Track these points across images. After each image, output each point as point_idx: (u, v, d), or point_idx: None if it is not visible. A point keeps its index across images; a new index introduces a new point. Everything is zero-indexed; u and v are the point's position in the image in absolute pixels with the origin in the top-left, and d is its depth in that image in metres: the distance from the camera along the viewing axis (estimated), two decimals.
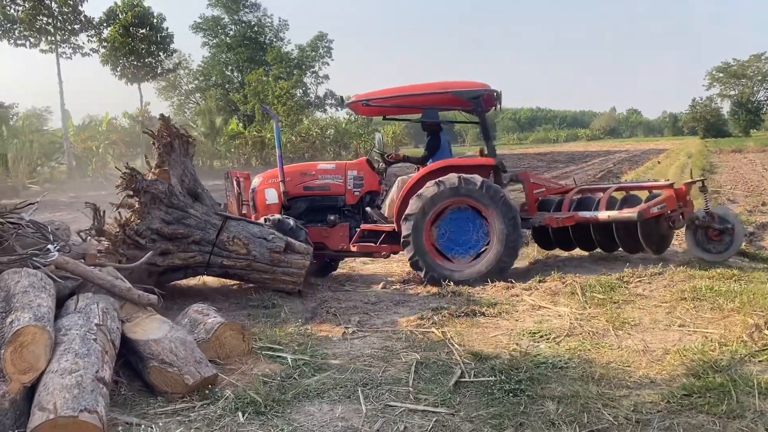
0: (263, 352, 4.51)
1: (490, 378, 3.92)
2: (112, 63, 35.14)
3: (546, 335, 4.86)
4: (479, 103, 7.34)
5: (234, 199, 7.81)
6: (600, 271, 6.74)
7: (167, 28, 36.84)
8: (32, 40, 30.64)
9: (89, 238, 5.37)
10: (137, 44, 35.01)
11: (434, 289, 6.70)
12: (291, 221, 7.05)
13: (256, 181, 7.98)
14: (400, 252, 7.38)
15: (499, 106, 7.51)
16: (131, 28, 34.31)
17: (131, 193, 5.57)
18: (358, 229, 7.51)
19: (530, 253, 8.40)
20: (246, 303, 6.22)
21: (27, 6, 29.72)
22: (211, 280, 6.99)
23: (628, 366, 4.10)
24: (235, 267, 6.25)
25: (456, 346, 4.64)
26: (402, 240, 7.01)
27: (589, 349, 4.45)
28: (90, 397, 2.93)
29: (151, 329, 3.80)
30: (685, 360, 4.10)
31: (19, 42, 30.38)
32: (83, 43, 32.92)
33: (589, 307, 5.53)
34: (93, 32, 33.09)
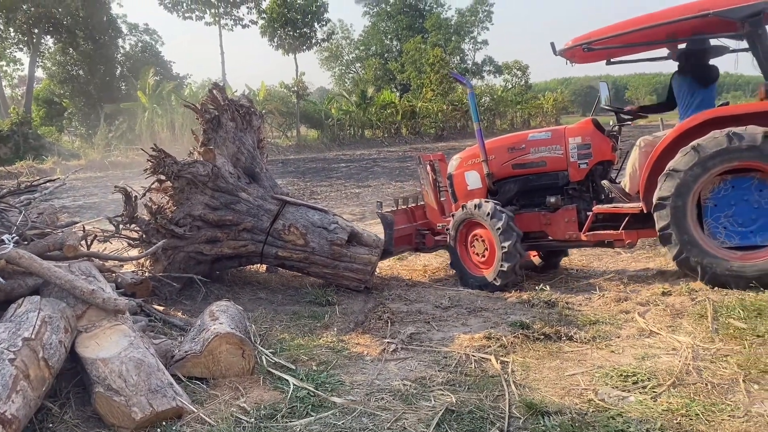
0: (269, 371, 3.74)
1: None
2: (269, 34, 36.30)
3: (643, 381, 3.55)
4: (758, 23, 5.21)
5: (430, 187, 6.91)
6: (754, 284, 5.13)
7: None
8: (198, 12, 32.42)
9: (121, 225, 4.90)
10: (293, 14, 35.79)
11: (525, 295, 5.49)
12: (490, 205, 5.92)
13: (453, 163, 6.80)
14: (654, 239, 5.81)
15: None
16: None
17: (163, 178, 5.00)
18: (589, 213, 5.96)
19: None
20: (300, 297, 5.52)
21: None
22: None
23: None
24: (292, 259, 5.54)
25: (512, 387, 3.52)
26: (659, 234, 5.36)
27: (697, 414, 3.10)
28: None
29: (106, 344, 3.15)
30: None
31: (186, 15, 32.31)
32: (243, 14, 34.39)
33: (720, 340, 4.06)
34: (252, 4, 34.40)
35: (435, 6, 62.04)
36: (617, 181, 6.29)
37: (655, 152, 5.52)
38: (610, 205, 5.91)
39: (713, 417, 3.06)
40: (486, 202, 6.01)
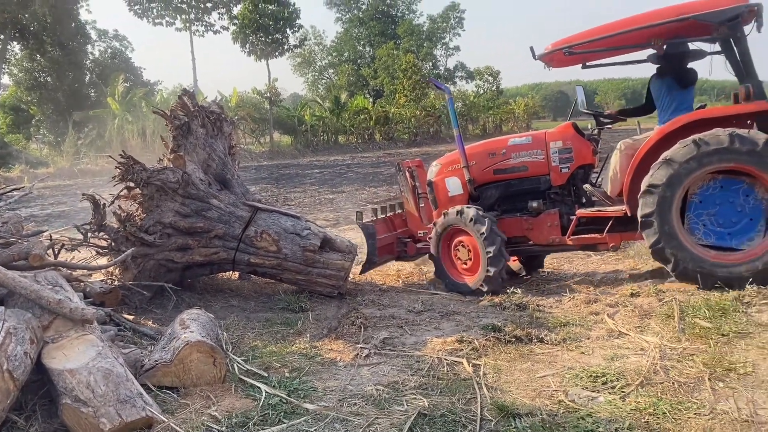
0: (241, 379, 3.72)
1: None
2: (241, 40, 36.10)
3: (612, 381, 3.60)
4: (737, 26, 5.24)
5: (410, 193, 6.84)
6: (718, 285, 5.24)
7: (294, 4, 37.19)
8: (168, 18, 32.15)
9: (90, 234, 4.83)
10: (265, 20, 35.64)
11: (497, 298, 5.55)
12: (472, 211, 5.90)
13: (432, 169, 6.75)
14: (638, 242, 5.87)
15: (759, 25, 5.26)
16: (260, 5, 34.93)
17: (131, 185, 4.94)
18: (572, 217, 5.99)
19: None
20: (273, 304, 5.49)
21: None
22: None
23: None
24: (264, 265, 5.51)
25: (484, 390, 3.55)
26: (641, 220, 5.33)
27: (664, 413, 3.16)
28: None
29: (73, 354, 3.10)
30: None
31: (156, 21, 32.02)
32: (215, 20, 34.19)
33: (686, 340, 4.14)
34: (224, 10, 34.19)
35: (407, 12, 62.35)
36: (598, 184, 6.34)
37: (638, 156, 5.56)
38: (593, 209, 5.94)
39: (680, 415, 3.12)
40: (468, 208, 5.98)
